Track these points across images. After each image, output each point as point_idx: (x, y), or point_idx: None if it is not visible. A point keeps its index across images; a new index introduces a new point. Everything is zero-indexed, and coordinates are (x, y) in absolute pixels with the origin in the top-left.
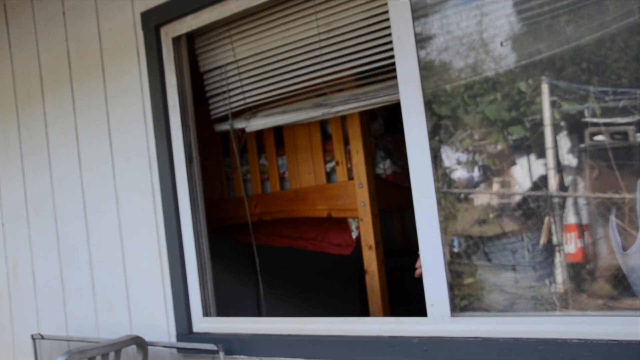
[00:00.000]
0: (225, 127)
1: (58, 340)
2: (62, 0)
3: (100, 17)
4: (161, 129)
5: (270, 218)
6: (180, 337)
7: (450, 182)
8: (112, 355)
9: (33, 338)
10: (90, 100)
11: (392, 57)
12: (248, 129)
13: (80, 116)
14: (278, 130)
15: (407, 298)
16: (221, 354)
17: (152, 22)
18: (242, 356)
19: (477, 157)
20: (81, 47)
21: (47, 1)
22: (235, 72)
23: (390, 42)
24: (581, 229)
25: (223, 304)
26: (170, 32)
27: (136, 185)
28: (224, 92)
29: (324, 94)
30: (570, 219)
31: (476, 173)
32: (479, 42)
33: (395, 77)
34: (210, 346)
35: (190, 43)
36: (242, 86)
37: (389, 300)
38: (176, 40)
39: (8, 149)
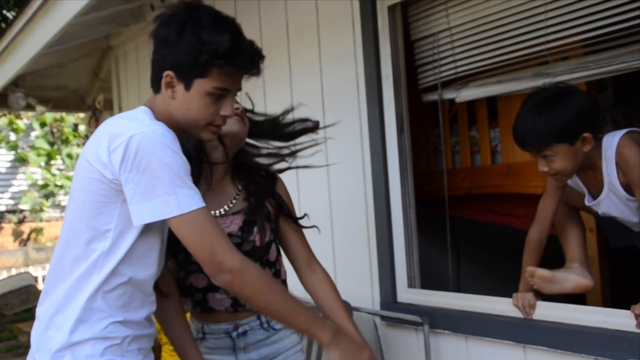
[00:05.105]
0: (433, 97)
1: None
2: None
3: None
4: (374, 99)
5: (479, 192)
6: (384, 305)
7: None
8: None
9: None
10: (305, 70)
11: (628, 20)
12: (458, 99)
13: (295, 86)
14: (492, 101)
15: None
16: (425, 327)
17: None
18: (446, 331)
19: None
20: (299, 18)
21: None
22: (448, 39)
23: (625, 4)
24: None
25: (423, 277)
26: (386, 0)
27: (347, 154)
28: (434, 61)
29: (546, 62)
30: None
31: None
32: None
33: (632, 43)
34: (415, 318)
35: (404, 12)
36: (454, 54)
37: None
38: (391, 9)
39: None
